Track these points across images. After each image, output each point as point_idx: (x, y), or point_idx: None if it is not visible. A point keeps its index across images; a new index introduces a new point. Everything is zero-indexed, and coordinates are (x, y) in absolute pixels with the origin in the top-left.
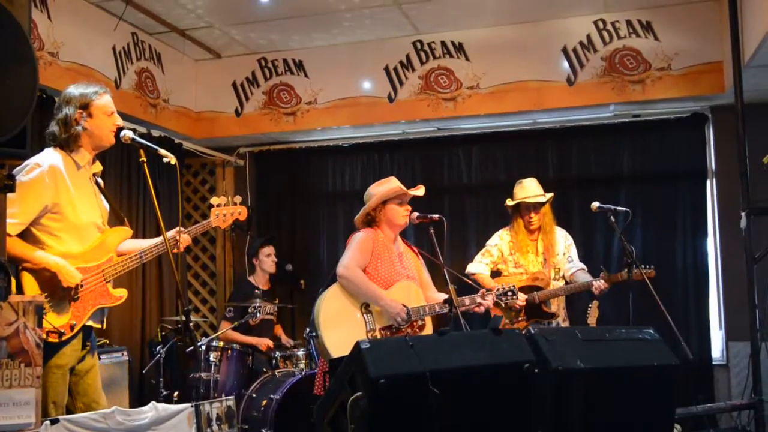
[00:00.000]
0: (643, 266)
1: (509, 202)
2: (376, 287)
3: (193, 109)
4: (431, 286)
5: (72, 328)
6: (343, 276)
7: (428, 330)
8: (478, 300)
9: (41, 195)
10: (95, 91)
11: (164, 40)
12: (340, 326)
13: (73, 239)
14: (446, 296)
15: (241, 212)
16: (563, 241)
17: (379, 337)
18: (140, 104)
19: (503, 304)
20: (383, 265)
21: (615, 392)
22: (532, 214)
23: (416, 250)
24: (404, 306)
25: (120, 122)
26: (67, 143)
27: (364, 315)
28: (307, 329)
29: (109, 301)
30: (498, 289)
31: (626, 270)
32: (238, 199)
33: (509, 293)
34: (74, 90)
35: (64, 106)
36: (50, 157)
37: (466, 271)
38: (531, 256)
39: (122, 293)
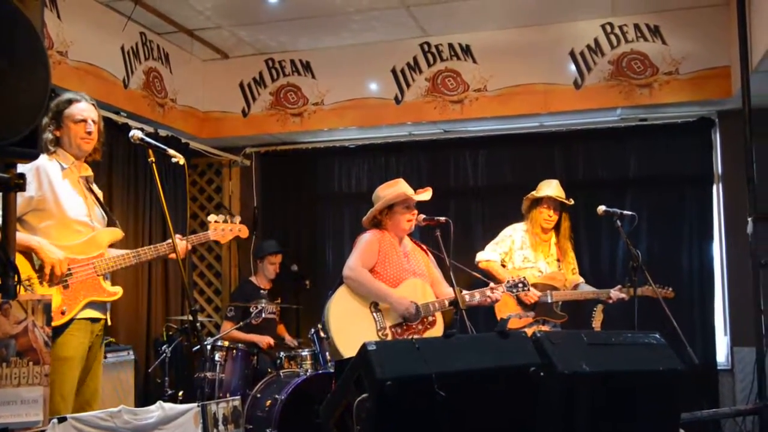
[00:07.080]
0: (659, 285)
1: (534, 194)
2: (382, 285)
3: (200, 109)
4: (442, 282)
5: (63, 313)
6: (349, 277)
7: (439, 326)
8: (488, 293)
9: (27, 188)
10: (68, 99)
11: (172, 40)
12: (350, 327)
13: (58, 235)
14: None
15: (241, 230)
16: (572, 252)
17: (390, 334)
18: (148, 104)
19: (515, 296)
20: (391, 264)
21: (620, 396)
22: (552, 212)
23: (424, 248)
24: (413, 302)
25: (91, 129)
26: (47, 148)
27: (374, 314)
28: (312, 330)
29: (102, 296)
30: (508, 281)
31: (647, 285)
32: (238, 218)
33: (520, 284)
34: (56, 99)
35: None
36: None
37: (477, 260)
38: (541, 255)
39: (117, 290)
